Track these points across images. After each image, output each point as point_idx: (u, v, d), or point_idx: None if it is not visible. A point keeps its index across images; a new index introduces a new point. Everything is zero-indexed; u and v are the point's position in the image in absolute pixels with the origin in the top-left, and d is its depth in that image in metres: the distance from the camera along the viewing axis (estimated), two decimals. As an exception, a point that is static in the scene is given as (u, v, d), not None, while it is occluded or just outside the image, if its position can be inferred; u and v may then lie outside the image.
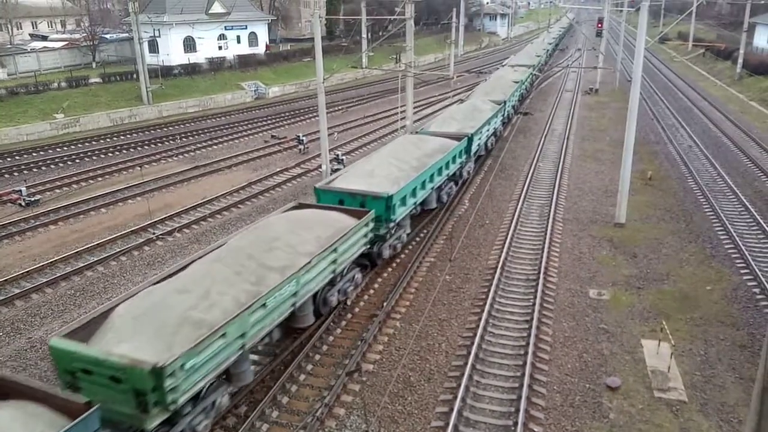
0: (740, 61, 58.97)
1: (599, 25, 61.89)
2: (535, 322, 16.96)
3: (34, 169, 33.46)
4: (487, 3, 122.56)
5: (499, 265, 20.54)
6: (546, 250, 21.76)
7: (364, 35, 68.85)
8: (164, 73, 52.95)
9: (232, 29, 64.39)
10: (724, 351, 15.97)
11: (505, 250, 21.82)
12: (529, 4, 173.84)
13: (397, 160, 22.33)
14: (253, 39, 67.10)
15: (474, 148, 28.43)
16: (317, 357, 15.97)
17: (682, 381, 14.75)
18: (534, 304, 17.98)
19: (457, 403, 13.71)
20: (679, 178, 30.75)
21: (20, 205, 27.40)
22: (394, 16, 43.91)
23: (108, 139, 40.43)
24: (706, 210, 25.97)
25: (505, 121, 39.68)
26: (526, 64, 52.80)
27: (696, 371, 15.15)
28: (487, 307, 17.83)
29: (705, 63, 72.38)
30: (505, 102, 36.37)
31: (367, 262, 19.57)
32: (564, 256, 21.79)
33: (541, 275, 19.76)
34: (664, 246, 22.58)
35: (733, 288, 19.25)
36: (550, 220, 24.59)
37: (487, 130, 31.91)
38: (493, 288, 18.97)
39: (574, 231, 24.11)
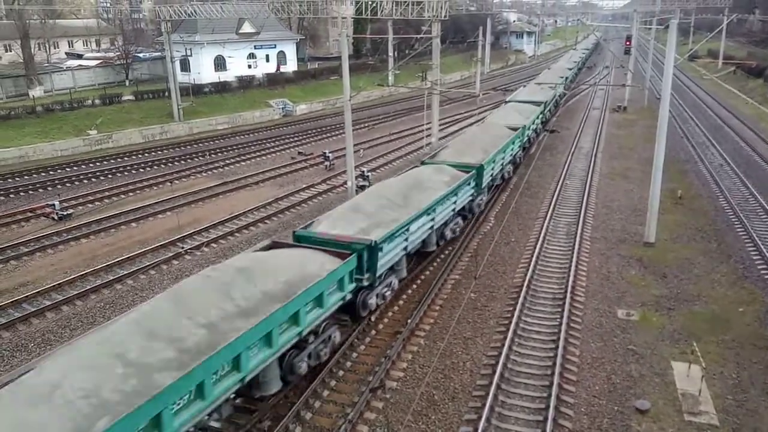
0: (773, 78, 57.88)
1: (627, 43, 61.38)
2: (561, 342, 16.71)
3: (68, 184, 34.30)
4: (514, 21, 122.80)
5: (525, 284, 20.34)
6: (573, 268, 21.49)
7: (390, 54, 69.44)
8: (195, 91, 54.06)
9: (261, 48, 65.58)
10: (757, 375, 15.54)
11: (531, 268, 21.61)
12: (556, 22, 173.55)
13: (390, 199, 20.03)
14: (281, 58, 68.18)
15: (485, 179, 25.80)
16: (341, 373, 15.94)
17: (713, 405, 14.37)
18: (560, 324, 17.73)
19: (482, 424, 13.54)
20: (710, 197, 30.21)
21: (53, 218, 28.07)
22: (421, 35, 44.25)
23: (139, 155, 41.31)
24: (738, 230, 25.43)
25: (526, 146, 37.25)
26: (550, 83, 50.46)
27: (728, 395, 14.75)
28: (512, 326, 17.64)
29: (736, 81, 71.23)
30: (524, 127, 33.76)
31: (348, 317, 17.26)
32: (592, 276, 21.50)
33: (568, 294, 19.50)
34: (695, 266, 22.14)
35: (767, 310, 18.76)
36: (578, 239, 24.31)
37: (502, 159, 29.20)
38: (518, 306, 18.77)
39: (602, 250, 23.79)
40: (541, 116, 41.38)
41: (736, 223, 26.23)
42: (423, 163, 25.46)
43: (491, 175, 27.15)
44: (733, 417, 13.97)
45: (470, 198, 24.49)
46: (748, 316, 18.49)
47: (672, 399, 14.64)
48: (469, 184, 23.88)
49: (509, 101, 42.98)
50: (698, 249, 23.73)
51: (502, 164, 29.19)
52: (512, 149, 31.12)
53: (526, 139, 36.13)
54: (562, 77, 56.16)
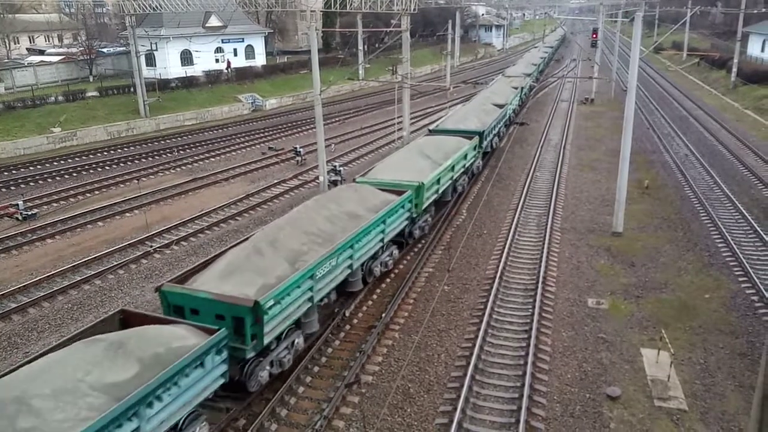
0: (734, 70, 59.34)
1: (594, 36, 62.22)
2: (534, 332, 16.92)
3: (32, 183, 33.43)
4: (483, 15, 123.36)
5: (498, 275, 20.52)
6: (544, 259, 21.76)
7: (360, 47, 69.22)
8: (161, 86, 53.11)
9: (229, 42, 64.70)
10: (723, 359, 15.94)
11: (503, 259, 21.81)
12: (524, 15, 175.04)
13: (294, 237, 16.39)
14: (250, 52, 67.39)
15: (427, 200, 22.51)
16: (316, 369, 15.89)
17: (682, 390, 14.70)
18: (533, 314, 17.95)
19: (457, 415, 13.64)
20: (675, 186, 30.84)
21: (17, 218, 27.35)
22: (390, 29, 44.21)
23: (105, 153, 40.46)
24: (704, 218, 26.02)
25: (488, 151, 34.48)
26: (514, 87, 47.22)
27: (696, 380, 15.11)
28: (485, 317, 17.79)
29: (700, 72, 72.85)
30: (481, 133, 30.56)
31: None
32: (562, 266, 21.79)
33: (540, 285, 19.74)
34: (662, 255, 22.60)
35: (732, 296, 19.25)
36: (548, 230, 24.61)
37: (451, 178, 25.68)
38: (491, 298, 18.94)
39: (571, 240, 24.12)
40: (503, 119, 38.47)
41: (701, 211, 26.83)
42: (356, 181, 22.41)
43: (437, 192, 23.98)
44: (701, 401, 14.31)
45: (407, 222, 21.35)
46: (714, 302, 18.95)
47: (642, 385, 14.93)
48: (403, 206, 20.61)
49: (471, 100, 41.28)
50: (665, 238, 24.21)
51: (451, 179, 25.80)
52: (464, 163, 27.58)
53: (488, 142, 33.27)
54: (527, 73, 54.86)
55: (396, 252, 21.04)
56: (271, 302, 13.46)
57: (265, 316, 13.28)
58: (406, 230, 21.86)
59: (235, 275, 14.41)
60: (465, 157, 27.46)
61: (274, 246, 15.80)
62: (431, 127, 32.81)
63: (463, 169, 27.56)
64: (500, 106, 37.63)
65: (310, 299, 15.35)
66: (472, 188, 30.64)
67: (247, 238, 16.73)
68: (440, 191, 24.39)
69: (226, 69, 61.79)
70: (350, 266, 17.39)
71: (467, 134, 29.65)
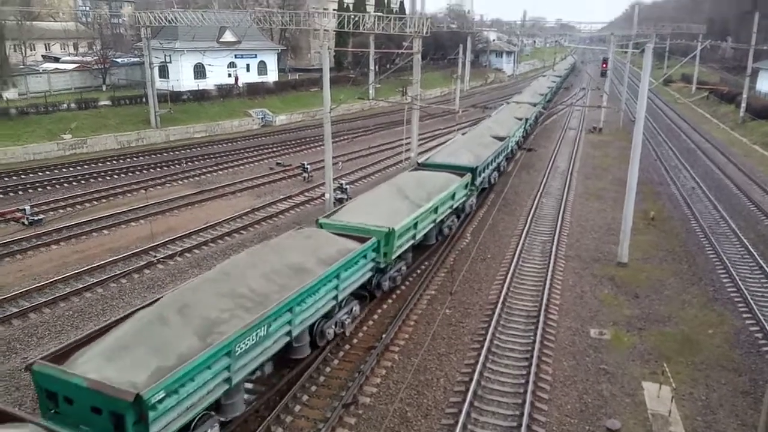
0: (743, 105, 59.50)
1: (604, 65, 62.65)
2: (534, 360, 16.79)
3: (39, 189, 33.63)
4: (494, 40, 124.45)
5: (500, 301, 20.42)
6: (547, 287, 21.65)
7: (371, 68, 69.78)
8: (173, 98, 53.58)
9: (242, 57, 65.37)
10: (725, 396, 15.76)
11: (506, 285, 21.72)
12: (534, 42, 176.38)
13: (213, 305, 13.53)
14: (262, 68, 68.06)
15: (397, 249, 19.77)
16: (313, 388, 15.78)
17: (683, 425, 14.52)
18: (534, 342, 17.82)
19: (454, 441, 13.49)
20: (681, 219, 30.76)
21: (23, 223, 27.45)
22: (402, 50, 44.57)
23: (114, 162, 40.72)
24: (709, 252, 25.90)
25: (486, 187, 31.98)
26: (523, 112, 46.76)
27: (697, 416, 14.93)
28: (486, 342, 17.67)
29: (708, 106, 73.03)
30: (476, 168, 27.99)
31: None
32: (565, 294, 21.68)
33: (542, 312, 19.62)
34: (666, 287, 22.47)
35: (735, 332, 19.08)
36: (552, 257, 24.53)
37: (434, 221, 23.22)
38: (493, 323, 18.83)
39: (576, 269, 24.03)
40: (503, 153, 35.74)
41: (706, 245, 26.72)
42: (318, 223, 19.84)
43: (414, 238, 21.30)
44: (701, 438, 14.13)
45: (371, 274, 18.86)
46: (718, 338, 18.78)
47: (642, 419, 14.76)
48: (366, 256, 18.09)
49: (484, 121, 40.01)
50: (670, 270, 24.10)
51: (434, 221, 23.26)
52: (451, 204, 24.94)
53: (483, 178, 30.14)
54: (533, 103, 52.90)
55: (357, 308, 18.13)
56: (162, 394, 10.63)
57: (152, 413, 10.47)
58: (374, 281, 19.44)
59: (126, 353, 11.58)
60: (453, 196, 24.77)
61: (183, 313, 12.72)
62: (420, 160, 29.86)
63: (450, 210, 24.98)
64: (501, 139, 35.12)
65: (228, 380, 12.44)
66: (477, 212, 30.61)
67: (156, 300, 13.75)
68: (419, 236, 21.79)
69: (234, 84, 62.28)
70: (289, 333, 14.53)
71: (459, 170, 27.09)
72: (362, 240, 18.19)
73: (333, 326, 16.85)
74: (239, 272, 14.87)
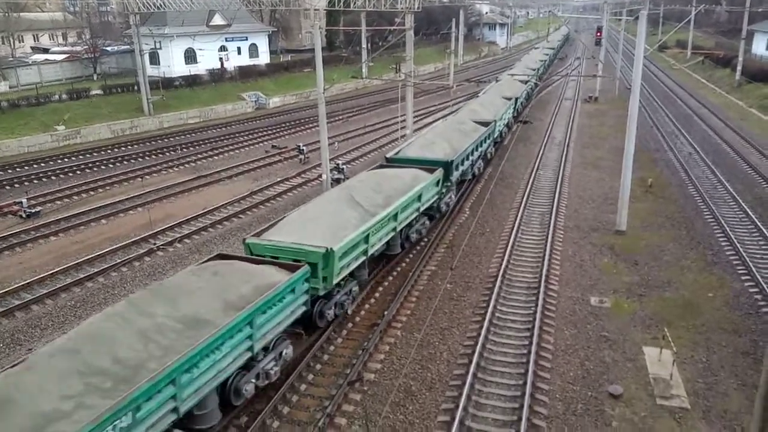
0: (739, 68, 59.15)
1: (598, 34, 62.13)
2: (536, 330, 16.90)
3: (35, 181, 33.55)
4: (486, 13, 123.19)
5: (500, 274, 20.50)
6: (547, 257, 21.72)
7: (364, 46, 69.16)
8: (165, 84, 53.21)
9: (232, 41, 64.81)
10: (726, 358, 15.91)
11: (506, 258, 21.79)
12: (528, 13, 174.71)
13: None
14: (253, 50, 67.48)
15: (339, 271, 16.34)
16: (318, 366, 15.91)
17: (684, 388, 14.68)
18: (535, 312, 17.93)
19: (459, 412, 13.64)
20: (679, 185, 30.75)
21: (21, 216, 27.44)
22: (394, 27, 44.16)
23: (109, 151, 40.56)
24: (707, 217, 25.95)
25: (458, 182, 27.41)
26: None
27: (698, 378, 15.08)
28: (488, 315, 17.78)
29: (704, 70, 72.58)
30: (450, 162, 24.34)
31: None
32: (565, 264, 21.76)
33: (542, 283, 19.71)
34: (666, 253, 22.54)
35: (735, 295, 19.20)
36: (551, 228, 24.57)
37: (393, 229, 19.80)
38: (494, 296, 18.93)
39: (575, 239, 24.08)
40: (488, 139, 31.90)
41: (704, 210, 26.76)
42: (245, 243, 16.63)
43: (366, 254, 18.04)
44: (703, 400, 14.29)
45: (304, 309, 15.44)
46: (717, 301, 18.90)
47: (644, 384, 14.91)
48: (294, 290, 14.74)
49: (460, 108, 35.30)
50: (668, 236, 24.15)
51: (394, 230, 19.88)
52: (417, 206, 21.63)
53: (461, 172, 26.79)
54: (523, 80, 48.43)
55: (289, 351, 15.00)
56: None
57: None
58: (315, 309, 16.40)
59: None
60: (419, 198, 21.51)
61: (3, 410, 9.40)
62: (389, 154, 26.02)
63: (417, 213, 21.77)
64: (485, 124, 31.48)
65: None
66: (474, 187, 30.57)
67: None
68: (373, 250, 18.72)
69: (221, 67, 61.71)
70: (175, 410, 11.25)
71: (431, 165, 23.78)
72: (292, 268, 15.03)
73: (253, 379, 13.61)
74: (106, 334, 11.34)
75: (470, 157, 28.24)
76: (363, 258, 17.94)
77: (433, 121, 43.16)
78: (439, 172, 23.22)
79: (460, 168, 26.40)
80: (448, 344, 16.88)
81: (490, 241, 23.96)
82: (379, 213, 18.55)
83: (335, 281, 16.28)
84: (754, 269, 20.33)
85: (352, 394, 14.75)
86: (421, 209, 22.08)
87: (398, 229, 20.11)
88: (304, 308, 15.39)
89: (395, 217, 19.58)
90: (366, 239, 17.72)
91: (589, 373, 15.41)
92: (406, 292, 19.64)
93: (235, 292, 13.51)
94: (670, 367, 15.17)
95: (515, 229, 24.60)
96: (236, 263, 15.24)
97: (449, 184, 24.92)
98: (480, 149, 30.25)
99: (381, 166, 24.51)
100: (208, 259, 15.85)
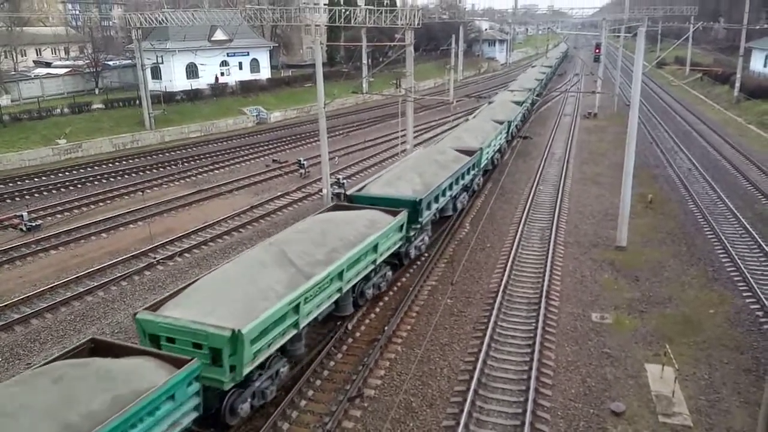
0: (737, 84, 59.47)
1: (597, 51, 62.49)
2: (537, 347, 16.84)
3: (36, 195, 33.58)
4: (486, 29, 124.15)
5: (501, 289, 20.46)
6: (547, 273, 21.69)
7: (364, 61, 69.58)
8: (167, 98, 53.48)
9: (234, 56, 65.20)
10: (728, 375, 15.83)
11: (506, 273, 21.75)
12: (527, 30, 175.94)
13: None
14: (255, 65, 67.88)
15: (245, 378, 13.10)
16: (318, 382, 15.82)
17: (686, 405, 14.59)
18: (536, 328, 17.87)
19: (460, 430, 13.55)
20: (679, 201, 30.79)
21: (21, 230, 27.43)
22: (394, 43, 44.44)
23: (110, 164, 40.65)
24: (707, 233, 25.95)
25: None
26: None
27: (700, 395, 15.00)
28: (489, 331, 17.72)
29: (702, 87, 72.97)
30: (417, 201, 21.02)
31: None
32: (566, 280, 21.72)
33: (543, 299, 19.67)
34: (666, 269, 22.52)
35: (736, 311, 19.15)
36: (551, 244, 24.56)
37: (339, 290, 16.52)
38: (495, 312, 18.87)
39: (575, 254, 24.07)
40: (473, 169, 28.65)
41: (705, 226, 26.76)
42: (137, 319, 13.14)
43: (296, 327, 14.62)
44: (705, 417, 14.20)
45: (195, 415, 11.97)
46: (719, 317, 18.85)
47: (646, 401, 14.83)
48: (172, 398, 11.09)
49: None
50: (669, 252, 24.14)
51: (339, 290, 16.61)
52: (373, 258, 18.38)
53: (434, 210, 23.45)
54: (518, 101, 45.94)
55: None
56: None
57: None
58: (225, 405, 13.01)
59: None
60: (375, 248, 18.20)
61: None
62: (351, 191, 22.79)
63: (373, 266, 18.49)
64: (470, 153, 28.37)
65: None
66: (475, 202, 30.59)
67: None
68: (307, 320, 15.11)
69: (215, 82, 61.96)
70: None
71: (395, 204, 20.74)
72: (178, 362, 11.51)
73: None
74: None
75: (447, 192, 24.75)
76: (293, 331, 14.53)
77: (434, 136, 43.29)
78: (403, 215, 20.09)
79: (433, 206, 23.01)
80: (448, 360, 16.80)
81: (490, 256, 23.94)
82: (317, 274, 15.16)
83: (246, 371, 12.79)
84: (755, 286, 20.29)
85: (353, 410, 14.65)
86: (380, 261, 18.88)
87: (343, 289, 16.74)
88: (195, 413, 11.85)
89: (340, 276, 16.32)
90: (296, 309, 14.31)
91: (591, 390, 15.33)
92: (407, 308, 19.58)
93: (80, 410, 9.70)
94: (673, 384, 15.10)
95: (516, 244, 24.60)
96: (94, 362, 11.11)
97: (417, 226, 21.43)
98: (462, 181, 26.78)
99: (336, 207, 21.50)
100: (75, 348, 12.10)
